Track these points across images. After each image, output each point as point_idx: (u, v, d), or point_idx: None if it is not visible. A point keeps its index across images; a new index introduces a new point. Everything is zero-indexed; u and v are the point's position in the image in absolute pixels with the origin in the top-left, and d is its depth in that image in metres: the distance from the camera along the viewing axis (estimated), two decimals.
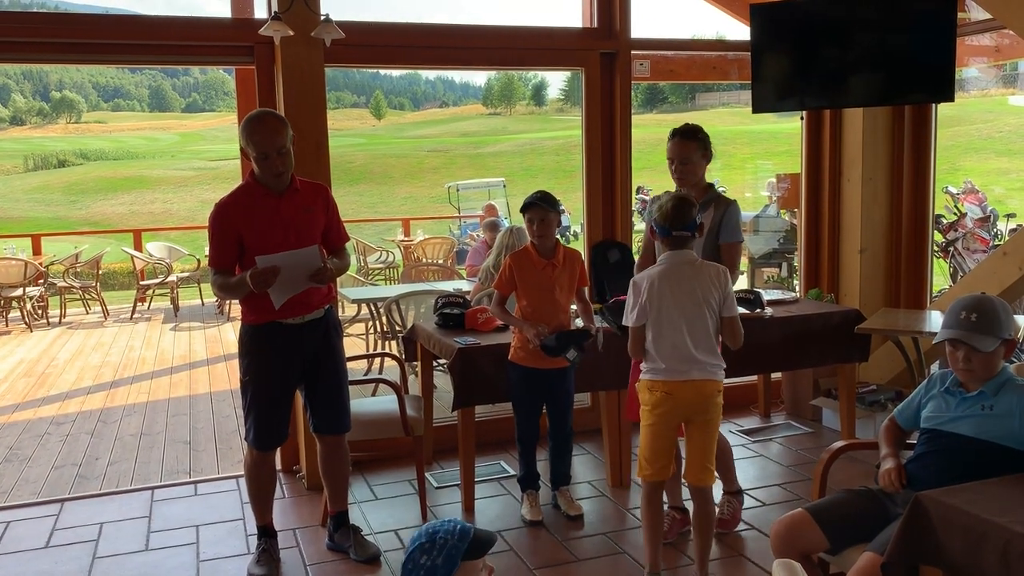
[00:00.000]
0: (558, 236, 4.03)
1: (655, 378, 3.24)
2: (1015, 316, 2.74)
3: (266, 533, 3.75)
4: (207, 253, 3.53)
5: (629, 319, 3.27)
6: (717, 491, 4.08)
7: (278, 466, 4.75)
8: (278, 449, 3.76)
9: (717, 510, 3.86)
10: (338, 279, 4.16)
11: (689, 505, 3.51)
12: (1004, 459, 2.57)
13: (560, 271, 3.94)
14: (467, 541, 1.77)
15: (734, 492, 4.11)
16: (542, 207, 3.87)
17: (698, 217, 3.30)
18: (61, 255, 11.99)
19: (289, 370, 3.56)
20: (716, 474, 3.46)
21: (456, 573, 1.74)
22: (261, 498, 3.75)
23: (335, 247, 3.63)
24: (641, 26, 5.25)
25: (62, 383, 7.31)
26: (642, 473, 3.33)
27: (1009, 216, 11.45)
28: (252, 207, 3.43)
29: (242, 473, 4.80)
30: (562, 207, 4.16)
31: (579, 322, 4.05)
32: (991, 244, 9.48)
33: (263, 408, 3.56)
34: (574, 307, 4.13)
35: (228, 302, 10.33)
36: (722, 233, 3.70)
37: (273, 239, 3.39)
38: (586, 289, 4.13)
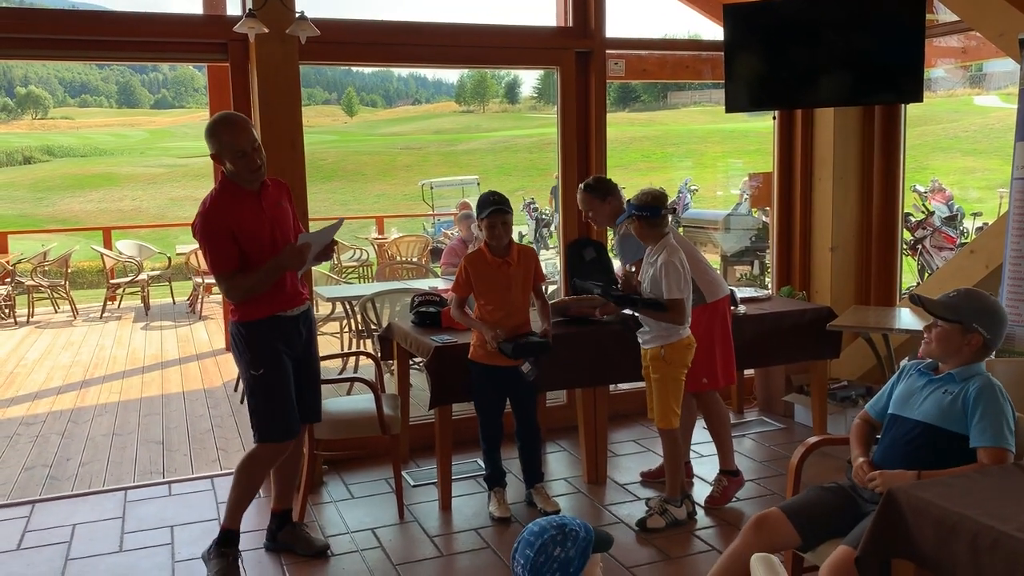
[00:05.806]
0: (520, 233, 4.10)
1: (690, 333, 3.87)
2: (1005, 325, 2.79)
3: (230, 540, 3.62)
4: (207, 267, 3.52)
5: (683, 292, 3.76)
6: (713, 468, 4.35)
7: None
8: None
9: (711, 487, 4.27)
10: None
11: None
12: (957, 446, 2.65)
13: (515, 269, 3.97)
14: (592, 534, 1.76)
15: (731, 472, 4.26)
16: (503, 211, 3.93)
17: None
18: (28, 253, 11.80)
19: (290, 360, 3.60)
20: (715, 448, 4.30)
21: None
22: (279, 483, 3.79)
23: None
24: (616, 26, 5.30)
25: (31, 383, 7.21)
26: (675, 423, 3.92)
27: (975, 215, 11.64)
28: (237, 205, 3.40)
29: (217, 472, 4.80)
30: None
31: (539, 327, 4.06)
32: (958, 242, 9.63)
33: (283, 396, 3.55)
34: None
35: (201, 301, 10.25)
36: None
37: (261, 235, 3.41)
38: (543, 286, 4.17)
